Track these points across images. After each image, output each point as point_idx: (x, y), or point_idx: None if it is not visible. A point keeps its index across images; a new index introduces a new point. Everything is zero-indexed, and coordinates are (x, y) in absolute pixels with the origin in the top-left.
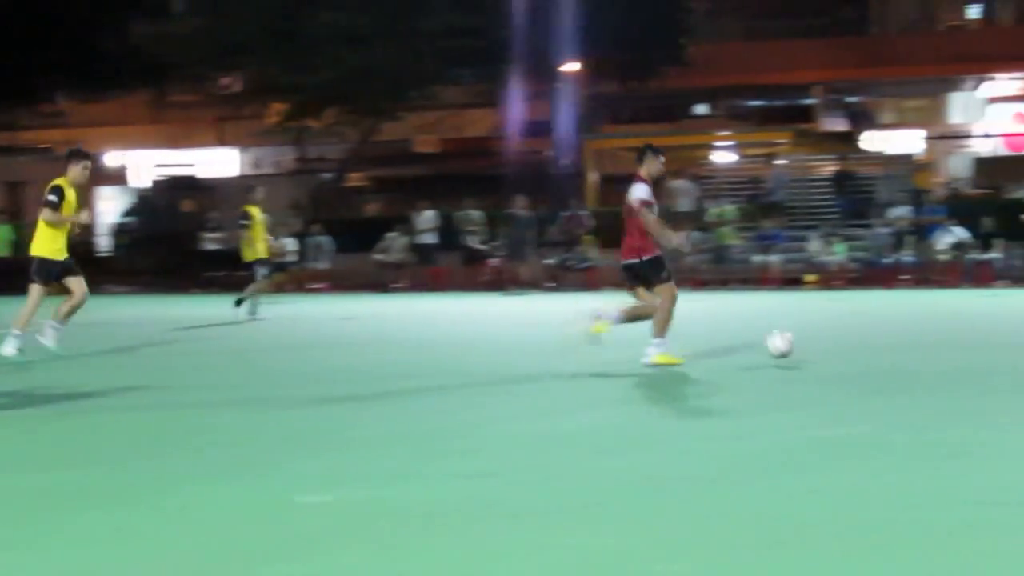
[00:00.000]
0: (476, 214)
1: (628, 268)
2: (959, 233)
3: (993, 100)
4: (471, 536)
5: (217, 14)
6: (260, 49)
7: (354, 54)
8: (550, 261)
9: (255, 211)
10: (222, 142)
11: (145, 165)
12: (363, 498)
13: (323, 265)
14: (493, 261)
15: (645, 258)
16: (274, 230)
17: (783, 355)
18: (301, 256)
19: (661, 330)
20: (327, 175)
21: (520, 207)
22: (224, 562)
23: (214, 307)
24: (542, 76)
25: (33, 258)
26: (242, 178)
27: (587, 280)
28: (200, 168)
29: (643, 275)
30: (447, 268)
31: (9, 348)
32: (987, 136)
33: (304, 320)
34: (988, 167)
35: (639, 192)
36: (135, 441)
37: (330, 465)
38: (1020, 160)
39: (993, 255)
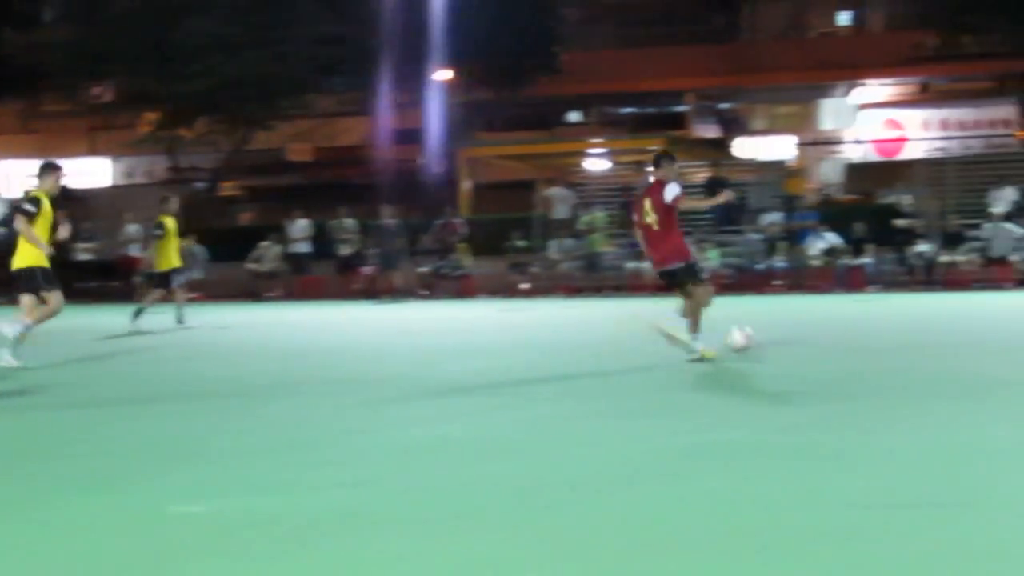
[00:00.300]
0: (349, 223)
1: (674, 272)
2: (831, 239)
3: (864, 106)
4: (343, 546)
5: (88, 23)
6: (131, 58)
7: (226, 63)
8: (424, 269)
9: (169, 221)
10: (94, 152)
11: (16, 175)
12: (235, 508)
13: (196, 275)
14: (366, 270)
15: (690, 262)
16: (146, 240)
17: (742, 349)
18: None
19: (696, 327)
20: (200, 184)
21: (388, 216)
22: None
23: (87, 318)
24: (414, 84)
25: (29, 269)
26: (115, 188)
27: (461, 288)
28: (72, 178)
29: (686, 276)
30: (320, 277)
31: (7, 358)
32: (858, 142)
33: (177, 329)
34: (859, 173)
35: (672, 190)
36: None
37: (202, 475)
38: (891, 166)
39: (865, 260)
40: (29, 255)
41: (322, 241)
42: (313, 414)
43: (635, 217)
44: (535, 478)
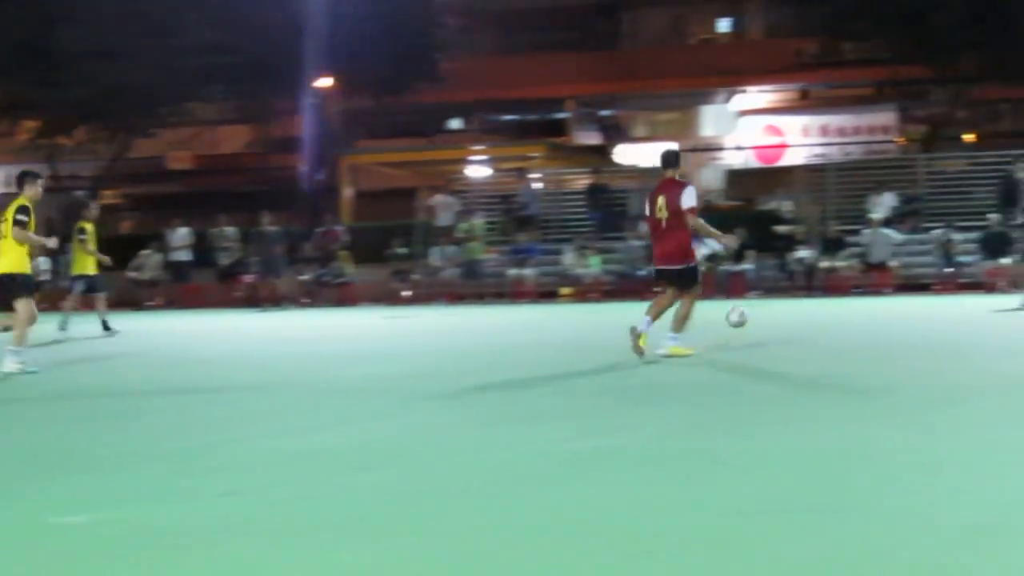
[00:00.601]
0: (230, 231)
1: (673, 272)
2: (712, 245)
3: (744, 113)
4: (223, 556)
5: None
6: (8, 66)
7: (105, 71)
8: (306, 277)
9: (90, 226)
10: None
11: None
12: (115, 518)
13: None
14: (247, 278)
15: (691, 264)
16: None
17: (738, 324)
18: (55, 275)
19: (680, 327)
20: (80, 193)
21: (268, 223)
22: None
23: None
24: (295, 92)
25: (12, 275)
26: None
27: (343, 296)
28: None
29: (684, 279)
30: (201, 285)
31: (11, 364)
32: (739, 148)
33: (55, 338)
34: (740, 179)
35: (690, 197)
36: None
37: (82, 485)
38: (771, 172)
39: (746, 266)
40: (15, 261)
41: (203, 249)
42: (193, 423)
43: (647, 211)
44: (417, 485)
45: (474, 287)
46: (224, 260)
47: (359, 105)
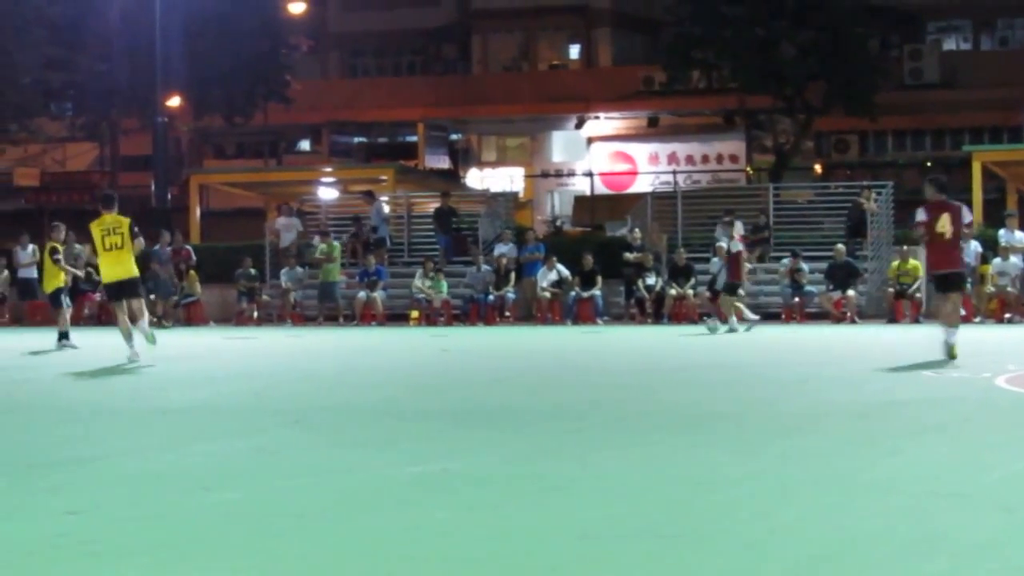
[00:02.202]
0: (79, 248)
1: (947, 276)
2: (561, 271)
3: (593, 139)
4: (66, 574)
5: None
6: None
7: None
8: (153, 296)
9: (61, 247)
10: None
11: None
12: None
13: None
14: (96, 295)
15: (962, 272)
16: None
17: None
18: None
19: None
20: None
21: (165, 242)
22: None
23: None
24: (144, 110)
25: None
26: None
27: (191, 315)
28: None
29: (956, 282)
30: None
31: None
32: (588, 175)
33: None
34: (588, 205)
35: (969, 218)
36: None
37: None
38: (620, 199)
39: (593, 292)
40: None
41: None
42: (37, 441)
43: (926, 226)
44: (262, 507)
45: (324, 309)
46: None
47: (209, 125)
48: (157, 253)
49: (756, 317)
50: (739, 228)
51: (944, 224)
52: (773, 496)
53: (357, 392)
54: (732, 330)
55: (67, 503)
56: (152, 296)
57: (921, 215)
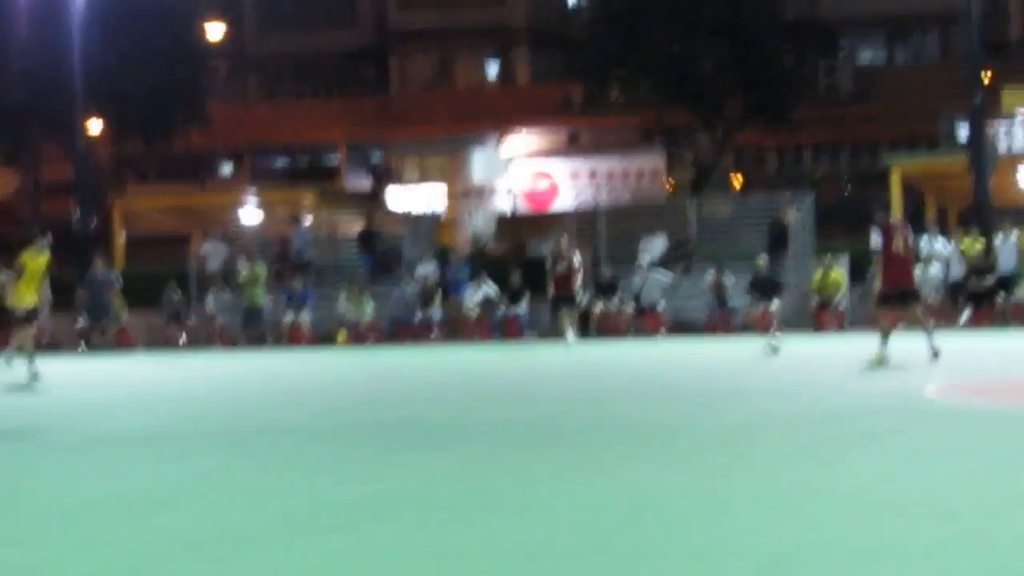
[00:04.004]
0: (2, 277)
1: (909, 293)
2: (487, 289)
3: (513, 157)
4: None
5: None
6: None
7: None
8: (79, 323)
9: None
10: None
11: None
12: None
13: None
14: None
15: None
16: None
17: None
18: None
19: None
20: None
21: (100, 266)
22: None
23: None
24: (64, 135)
25: None
26: None
27: (118, 341)
28: None
29: (914, 299)
30: None
31: None
32: (508, 193)
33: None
34: (511, 224)
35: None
36: None
37: None
38: (542, 217)
39: (520, 310)
40: None
41: None
42: None
43: (885, 247)
44: (202, 531)
45: (251, 333)
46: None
47: (129, 150)
48: (93, 278)
49: (572, 340)
50: (564, 242)
51: (899, 243)
52: (714, 510)
53: (290, 414)
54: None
55: (4, 533)
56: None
57: (878, 238)
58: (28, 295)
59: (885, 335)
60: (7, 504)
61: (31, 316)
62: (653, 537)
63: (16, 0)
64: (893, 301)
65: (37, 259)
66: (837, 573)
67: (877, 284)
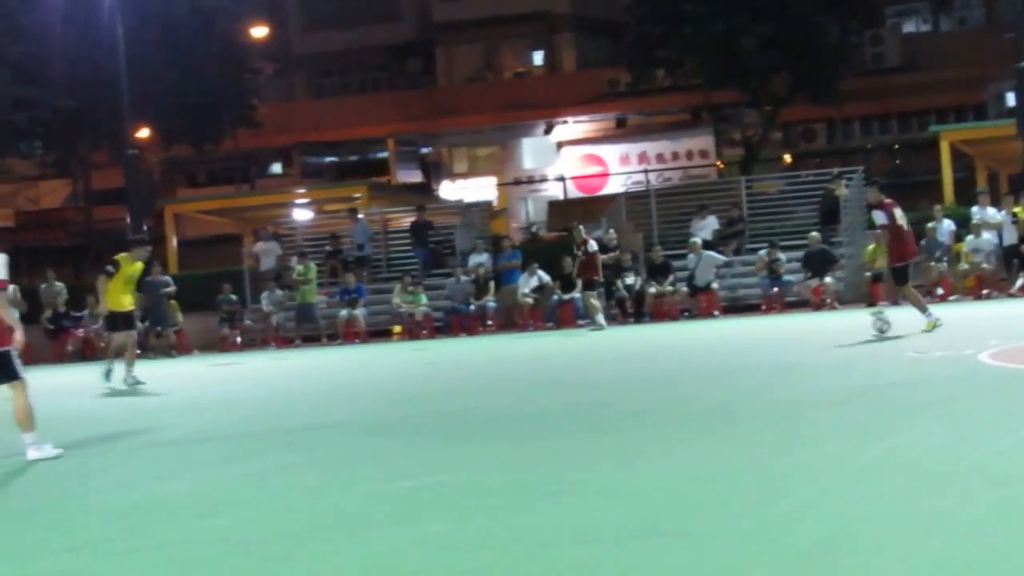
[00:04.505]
0: (59, 285)
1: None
2: (541, 276)
3: (563, 144)
4: None
5: None
6: None
7: None
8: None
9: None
10: None
11: None
12: None
13: None
14: (78, 332)
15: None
16: None
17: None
18: None
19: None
20: None
21: (157, 272)
22: None
23: None
24: (114, 144)
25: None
26: None
27: (175, 344)
28: None
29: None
30: (28, 342)
31: None
32: (559, 180)
33: None
34: (562, 210)
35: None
36: None
37: None
38: (593, 201)
39: (574, 296)
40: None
41: (30, 305)
42: (32, 478)
43: (890, 224)
44: (258, 531)
45: (306, 330)
46: (53, 315)
47: (179, 154)
48: (149, 283)
49: (602, 322)
50: (581, 229)
51: (901, 218)
52: (767, 487)
53: (345, 410)
54: (599, 328)
55: (65, 540)
56: (147, 327)
57: (882, 217)
58: (125, 299)
59: (920, 304)
60: (67, 510)
61: (129, 321)
62: (706, 517)
63: (62, 10)
64: (907, 272)
65: (133, 264)
66: (893, 545)
67: (882, 263)
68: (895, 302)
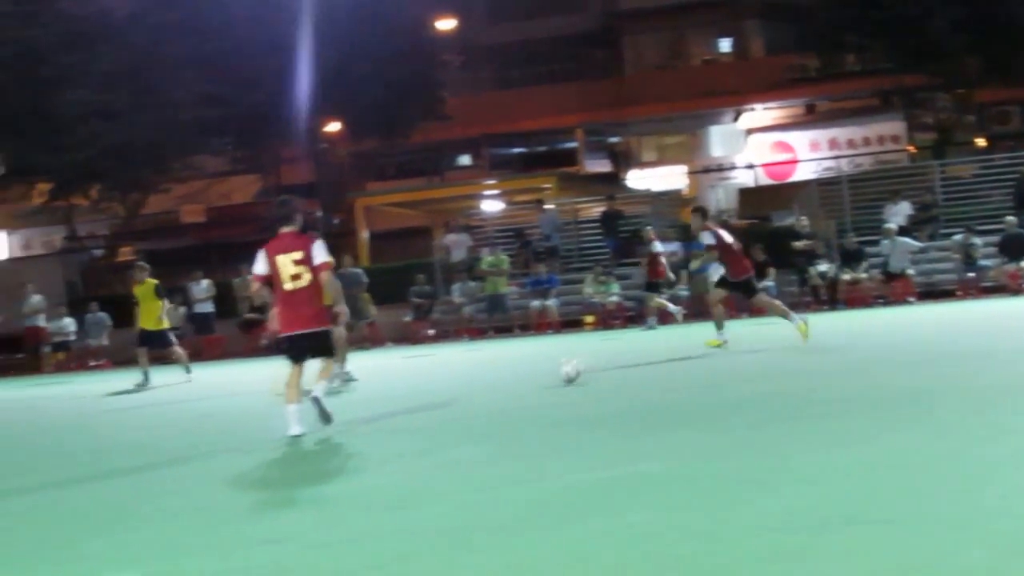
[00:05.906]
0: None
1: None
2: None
3: (752, 131)
4: None
5: None
6: (12, 131)
7: (108, 130)
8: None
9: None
10: None
11: None
12: (164, 571)
13: (101, 341)
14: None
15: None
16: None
17: (570, 380)
18: (79, 334)
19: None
20: (97, 251)
21: (348, 264)
22: None
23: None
24: (302, 138)
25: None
26: (12, 260)
27: (370, 336)
28: None
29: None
30: (223, 336)
31: None
32: (749, 167)
33: (78, 399)
34: (752, 197)
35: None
36: None
37: (126, 541)
38: (783, 188)
39: (766, 283)
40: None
41: (224, 300)
42: (235, 472)
43: (719, 245)
44: (456, 523)
45: (498, 321)
46: (247, 309)
47: (367, 147)
48: (342, 277)
49: (679, 309)
50: (649, 229)
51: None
52: (975, 475)
53: (539, 400)
54: (651, 328)
55: (264, 532)
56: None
57: (710, 238)
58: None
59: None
60: (265, 503)
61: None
62: (913, 504)
63: (249, 7)
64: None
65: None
66: None
67: None
68: None
